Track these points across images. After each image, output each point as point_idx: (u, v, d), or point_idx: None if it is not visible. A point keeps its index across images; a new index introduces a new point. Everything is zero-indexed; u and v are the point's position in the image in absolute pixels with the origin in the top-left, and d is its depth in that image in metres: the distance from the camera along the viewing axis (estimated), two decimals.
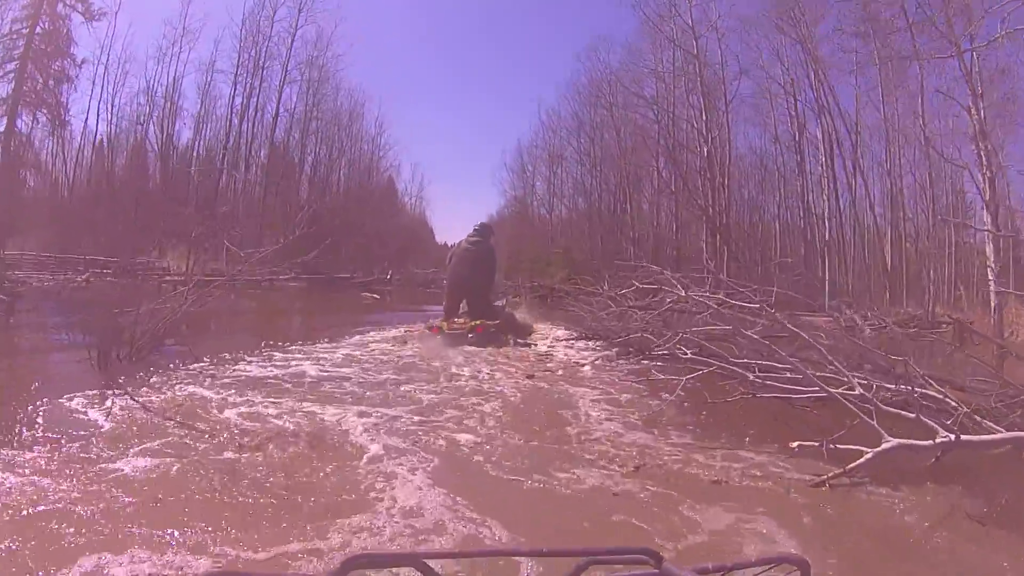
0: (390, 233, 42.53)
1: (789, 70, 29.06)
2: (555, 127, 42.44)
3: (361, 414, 8.05)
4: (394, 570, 1.59)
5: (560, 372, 12.08)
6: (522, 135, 62.71)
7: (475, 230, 16.29)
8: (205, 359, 10.83)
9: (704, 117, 29.81)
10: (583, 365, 12.74)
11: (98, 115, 35.05)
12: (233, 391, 8.81)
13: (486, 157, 63.77)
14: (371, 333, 16.04)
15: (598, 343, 15.40)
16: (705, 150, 29.41)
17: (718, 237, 28.69)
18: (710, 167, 29.15)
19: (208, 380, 9.46)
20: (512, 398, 9.62)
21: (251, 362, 11.23)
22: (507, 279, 34.97)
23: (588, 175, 40.25)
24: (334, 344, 14.00)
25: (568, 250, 38.64)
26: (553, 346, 15.70)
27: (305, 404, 8.38)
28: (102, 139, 36.29)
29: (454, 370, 11.58)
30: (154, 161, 37.75)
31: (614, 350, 13.98)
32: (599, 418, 8.56)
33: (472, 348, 13.64)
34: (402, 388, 9.95)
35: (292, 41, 38.49)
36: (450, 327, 14.70)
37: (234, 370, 10.45)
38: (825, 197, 27.88)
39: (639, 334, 13.02)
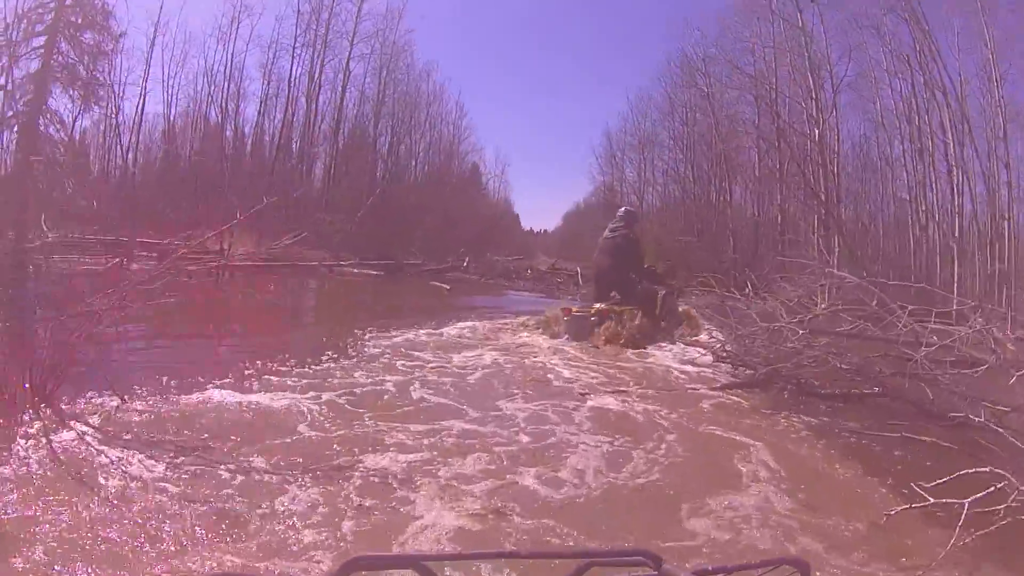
0: (468, 218, 41.01)
1: (896, 46, 26.37)
2: (646, 111, 40.63)
3: None
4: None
5: (706, 408, 9.06)
6: (612, 119, 60.46)
7: (618, 216, 15.52)
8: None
9: (813, 96, 27.11)
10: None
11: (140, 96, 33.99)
12: None
13: (577, 142, 61.97)
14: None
15: (739, 369, 11.04)
16: (816, 133, 26.76)
17: (833, 232, 26.01)
18: (821, 152, 26.53)
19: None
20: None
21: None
22: (587, 268, 33.78)
23: (681, 161, 38.43)
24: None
25: (660, 240, 36.63)
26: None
27: None
28: (170, 121, 35.84)
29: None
30: (218, 143, 36.80)
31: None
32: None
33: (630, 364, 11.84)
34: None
35: (358, 14, 37.17)
36: (578, 310, 14.30)
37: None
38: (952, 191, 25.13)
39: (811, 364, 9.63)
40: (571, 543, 4.65)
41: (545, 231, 57.38)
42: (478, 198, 46.38)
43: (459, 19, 61.00)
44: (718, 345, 12.24)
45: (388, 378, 9.60)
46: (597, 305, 14.28)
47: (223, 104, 36.06)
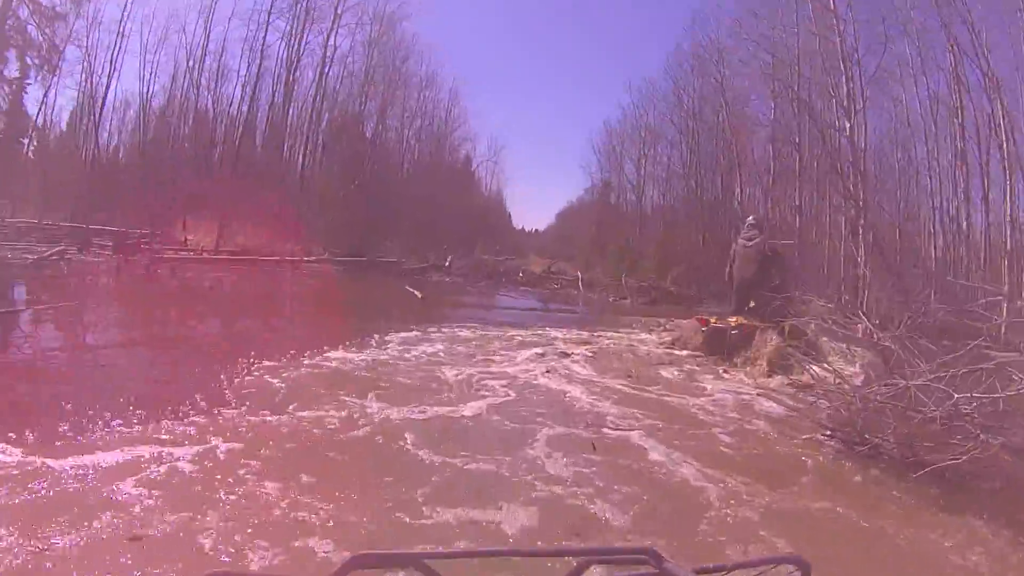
0: (456, 211, 37.63)
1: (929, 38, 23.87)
2: (648, 103, 37.93)
3: None
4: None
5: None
6: (611, 115, 57.91)
7: (749, 225, 15.02)
8: None
9: (846, 87, 24.38)
10: None
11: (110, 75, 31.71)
12: None
13: (571, 137, 59.54)
14: None
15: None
16: (847, 126, 24.11)
17: (868, 238, 23.30)
18: (853, 150, 23.90)
19: None
20: None
21: None
22: (586, 271, 30.88)
23: (687, 157, 35.37)
24: None
25: (665, 243, 34.03)
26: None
27: None
28: (147, 100, 33.28)
29: None
30: (198, 127, 33.76)
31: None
32: None
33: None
34: None
35: None
36: (718, 321, 13.79)
37: None
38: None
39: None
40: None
41: (537, 230, 55.36)
42: (468, 190, 43.47)
43: (449, 7, 57.68)
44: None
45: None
46: (733, 319, 13.65)
47: (196, 83, 33.28)
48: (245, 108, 33.50)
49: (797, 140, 27.53)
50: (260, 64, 33.09)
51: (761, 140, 31.04)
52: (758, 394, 10.80)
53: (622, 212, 40.18)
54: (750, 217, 15.80)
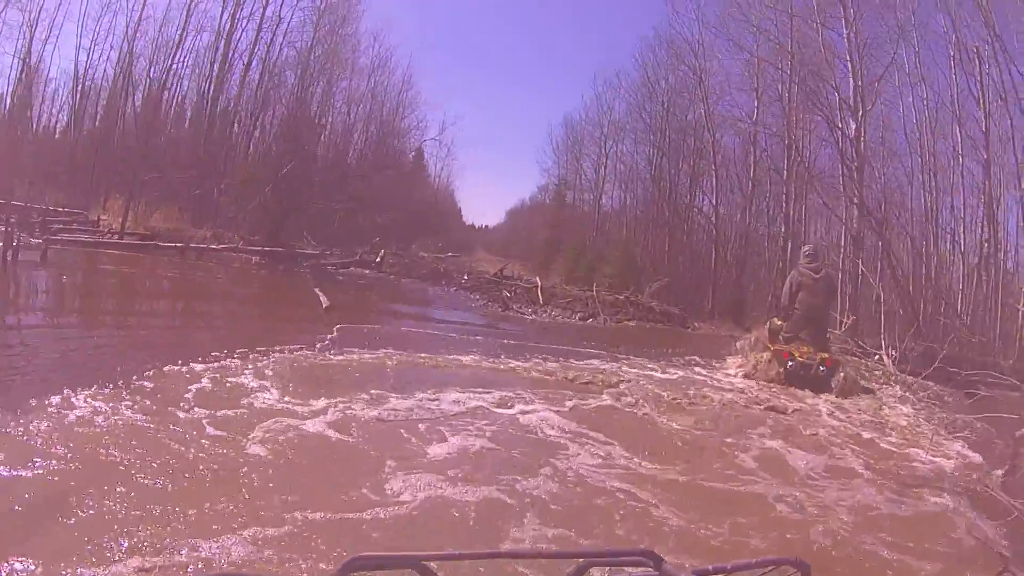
0: (397, 203, 33.95)
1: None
2: (615, 96, 35.20)
3: None
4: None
5: None
6: (574, 109, 54.99)
7: (808, 255, 14.62)
8: None
9: (854, 80, 21.45)
10: None
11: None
12: None
13: (531, 133, 56.81)
14: None
15: None
16: (852, 127, 21.31)
17: (883, 257, 20.61)
18: (858, 152, 21.14)
19: None
20: None
21: None
22: (544, 276, 27.47)
23: (656, 156, 32.28)
24: None
25: (628, 246, 31.21)
26: None
27: None
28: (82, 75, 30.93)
29: None
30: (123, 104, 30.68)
31: None
32: None
33: None
34: None
35: None
36: (801, 355, 13.05)
37: None
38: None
39: None
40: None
41: (487, 227, 52.97)
42: (415, 181, 40.32)
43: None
44: None
45: None
46: (806, 352, 13.16)
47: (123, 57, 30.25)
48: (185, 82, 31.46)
49: (786, 142, 24.78)
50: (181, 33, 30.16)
51: (742, 140, 28.29)
52: None
53: (579, 213, 37.92)
54: (807, 247, 15.39)
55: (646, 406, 10.04)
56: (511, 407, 8.90)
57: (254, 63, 31.27)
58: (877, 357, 16.21)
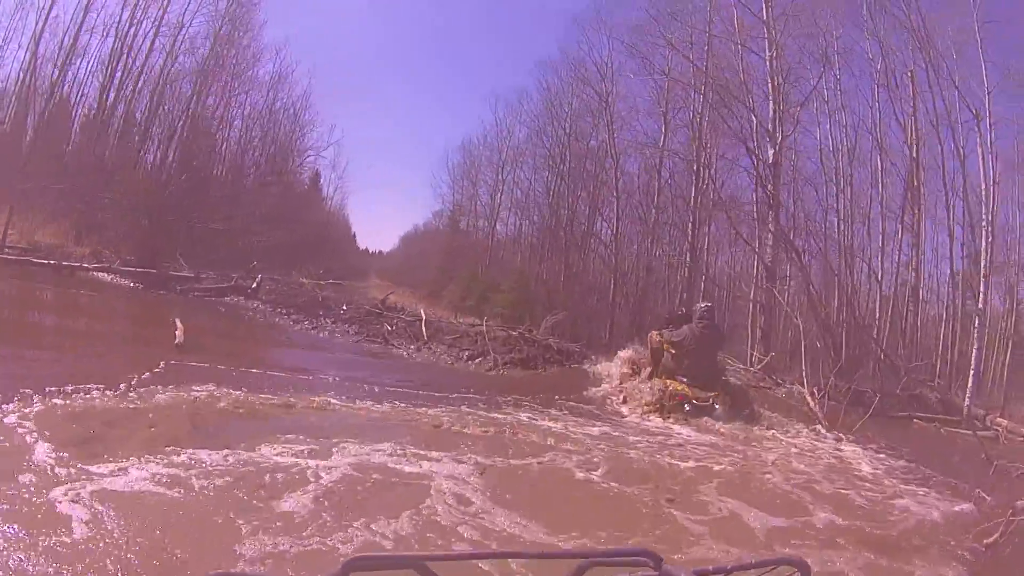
0: (284, 226, 30.73)
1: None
2: (515, 120, 33.44)
3: None
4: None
5: None
6: (472, 132, 53.90)
7: (703, 313, 15.28)
8: None
9: (774, 105, 20.23)
10: None
11: None
12: None
13: (428, 155, 55.27)
14: None
15: None
16: (770, 154, 20.32)
17: (805, 289, 19.61)
18: (775, 179, 20.24)
19: None
20: None
21: None
22: (431, 306, 25.52)
23: (555, 182, 30.86)
24: None
25: (523, 275, 29.76)
26: None
27: None
28: None
29: None
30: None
31: None
32: None
33: None
34: None
35: None
36: (696, 397, 13.48)
37: None
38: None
39: None
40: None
41: (382, 252, 51.12)
42: (308, 203, 37.99)
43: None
44: None
45: None
46: (711, 394, 13.66)
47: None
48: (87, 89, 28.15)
49: (695, 168, 23.75)
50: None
51: (646, 166, 27.19)
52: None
53: (473, 240, 36.21)
54: (703, 305, 15.91)
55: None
56: (345, 455, 7.31)
57: (148, 70, 28.60)
58: (799, 394, 15.05)
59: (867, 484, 8.86)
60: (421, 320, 20.02)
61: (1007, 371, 18.21)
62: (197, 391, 8.85)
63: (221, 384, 9.35)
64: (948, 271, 20.27)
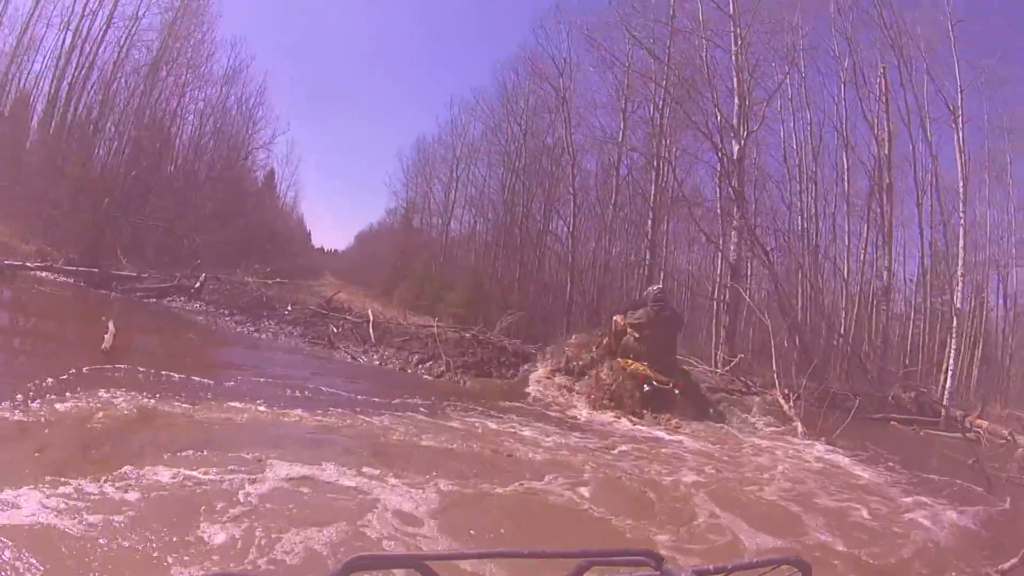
0: (236, 224, 30.02)
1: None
2: (472, 116, 33.34)
3: None
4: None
5: None
6: (429, 130, 53.63)
7: (656, 297, 15.04)
8: None
9: (739, 100, 19.64)
10: None
11: None
12: None
13: (384, 154, 55.02)
14: None
15: None
16: (735, 149, 19.91)
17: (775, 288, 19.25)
18: (740, 175, 19.82)
19: None
20: None
21: None
22: (385, 304, 24.67)
23: (510, 179, 30.63)
24: None
25: (477, 274, 29.23)
26: None
27: None
28: None
29: None
30: None
31: None
32: None
33: None
34: None
35: None
36: (657, 379, 13.19)
37: None
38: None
39: None
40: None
41: (337, 251, 50.60)
42: (261, 201, 37.13)
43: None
44: None
45: None
46: (673, 380, 13.51)
47: None
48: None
49: (655, 164, 23.30)
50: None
51: (604, 163, 26.80)
52: None
53: (427, 238, 36.25)
54: (655, 288, 15.80)
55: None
56: (259, 473, 6.24)
57: (100, 63, 27.44)
58: (771, 398, 14.57)
59: (872, 498, 8.19)
60: (368, 321, 18.82)
61: (977, 371, 18.14)
62: (105, 400, 7.68)
63: (137, 392, 8.07)
64: (916, 270, 20.19)
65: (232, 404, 8.53)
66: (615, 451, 9.45)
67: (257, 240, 32.26)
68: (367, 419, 8.99)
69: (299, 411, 8.80)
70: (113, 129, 28.54)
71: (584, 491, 7.09)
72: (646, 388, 13.01)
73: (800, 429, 12.44)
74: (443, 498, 6.21)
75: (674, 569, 1.41)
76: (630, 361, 13.68)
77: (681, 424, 12.19)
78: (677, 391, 13.28)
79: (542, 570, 1.85)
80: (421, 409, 10.22)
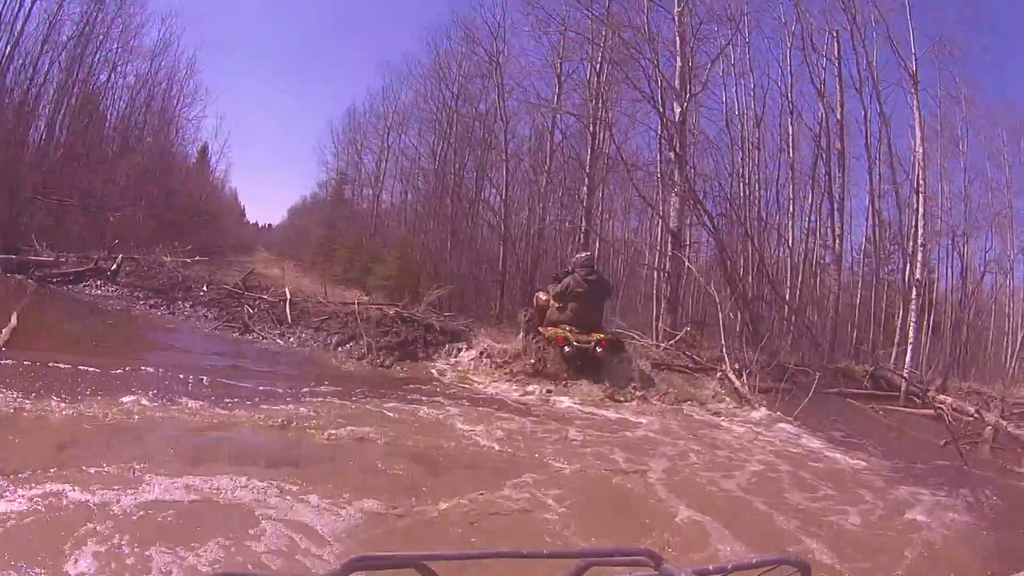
0: (161, 202, 28.89)
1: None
2: (404, 84, 33.06)
3: None
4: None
5: None
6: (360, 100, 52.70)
7: (584, 264, 14.28)
8: None
9: (682, 61, 18.53)
10: None
11: None
12: None
13: (314, 128, 54.36)
14: None
15: None
16: (677, 111, 18.85)
17: (720, 258, 18.49)
18: (682, 139, 18.96)
19: None
20: None
21: None
22: (314, 280, 23.52)
23: (441, 147, 29.82)
24: None
25: (406, 245, 28.14)
26: None
27: None
28: None
29: None
30: None
31: None
32: None
33: None
34: None
35: None
36: (577, 339, 12.84)
37: None
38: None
39: None
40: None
41: (270, 225, 49.92)
42: (191, 177, 35.98)
43: None
44: None
45: None
46: (595, 335, 13.07)
47: None
48: None
49: (591, 128, 22.39)
50: None
51: (538, 128, 25.91)
52: None
53: (358, 210, 35.61)
54: (583, 254, 15.15)
55: None
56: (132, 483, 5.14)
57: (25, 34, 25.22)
58: (720, 374, 13.75)
59: (862, 492, 7.39)
60: (286, 300, 17.44)
61: (927, 341, 17.81)
62: None
63: (12, 390, 7.00)
64: (863, 239, 19.84)
65: (121, 400, 7.33)
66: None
67: (185, 217, 30.92)
68: (268, 407, 8.03)
69: (195, 404, 7.72)
70: (41, 107, 26.61)
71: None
72: (566, 350, 12.67)
73: (757, 406, 11.72)
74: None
75: (673, 569, 1.40)
76: (549, 328, 13.29)
77: (614, 391, 11.93)
78: (600, 349, 12.83)
79: (542, 570, 1.81)
80: (324, 395, 9.20)
